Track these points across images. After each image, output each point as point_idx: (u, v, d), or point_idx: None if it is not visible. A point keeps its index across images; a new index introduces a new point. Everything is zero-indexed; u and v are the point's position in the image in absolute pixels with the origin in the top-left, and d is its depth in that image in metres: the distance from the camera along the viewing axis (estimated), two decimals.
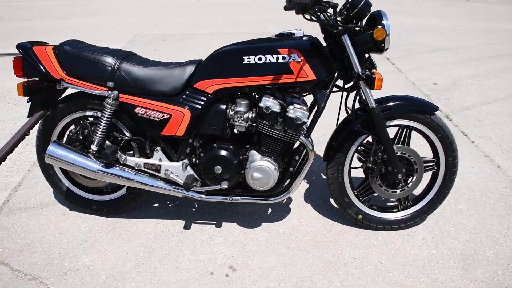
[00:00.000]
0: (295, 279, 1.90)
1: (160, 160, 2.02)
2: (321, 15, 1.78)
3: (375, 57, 2.01)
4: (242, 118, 1.92)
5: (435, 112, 2.03)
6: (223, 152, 1.95)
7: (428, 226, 2.24)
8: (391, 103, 2.01)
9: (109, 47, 2.09)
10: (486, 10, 9.49)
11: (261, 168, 1.91)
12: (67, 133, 2.11)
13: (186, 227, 2.22)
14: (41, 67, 1.91)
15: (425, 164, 2.12)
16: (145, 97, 1.94)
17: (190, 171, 2.02)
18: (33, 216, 2.27)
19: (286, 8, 1.66)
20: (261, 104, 1.86)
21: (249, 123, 1.93)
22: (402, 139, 2.09)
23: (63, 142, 2.10)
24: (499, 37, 6.41)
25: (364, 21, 1.91)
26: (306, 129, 1.96)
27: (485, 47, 5.83)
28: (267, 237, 2.16)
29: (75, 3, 9.55)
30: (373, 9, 1.86)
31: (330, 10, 2.08)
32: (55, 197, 2.43)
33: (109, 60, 1.93)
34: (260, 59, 1.83)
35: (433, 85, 4.35)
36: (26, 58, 1.91)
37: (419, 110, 2.01)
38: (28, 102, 2.00)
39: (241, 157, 1.99)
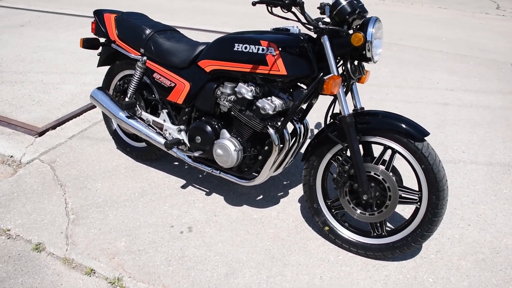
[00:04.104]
0: (230, 258, 2.01)
1: (164, 120, 2.37)
2: (296, 13, 1.79)
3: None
4: (226, 99, 2.10)
5: (425, 139, 1.79)
6: (206, 126, 2.17)
7: (404, 266, 1.97)
8: (373, 117, 1.86)
9: (162, 23, 2.53)
10: None
11: (223, 146, 2.06)
12: (115, 84, 2.66)
13: (184, 186, 2.53)
14: (103, 29, 2.48)
15: (404, 195, 1.88)
16: (163, 66, 2.30)
17: (182, 136, 2.31)
18: (91, 145, 2.94)
19: (254, 3, 1.74)
20: (236, 89, 2.00)
21: (230, 105, 2.09)
22: (387, 161, 1.90)
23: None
24: None
25: (358, 26, 1.82)
26: (277, 122, 1.99)
27: None
28: (238, 217, 2.29)
29: None
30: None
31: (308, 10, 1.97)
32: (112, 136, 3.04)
33: (146, 31, 2.35)
34: (245, 48, 1.96)
35: None
36: (97, 21, 2.51)
37: (403, 131, 1.79)
38: (98, 55, 2.62)
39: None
